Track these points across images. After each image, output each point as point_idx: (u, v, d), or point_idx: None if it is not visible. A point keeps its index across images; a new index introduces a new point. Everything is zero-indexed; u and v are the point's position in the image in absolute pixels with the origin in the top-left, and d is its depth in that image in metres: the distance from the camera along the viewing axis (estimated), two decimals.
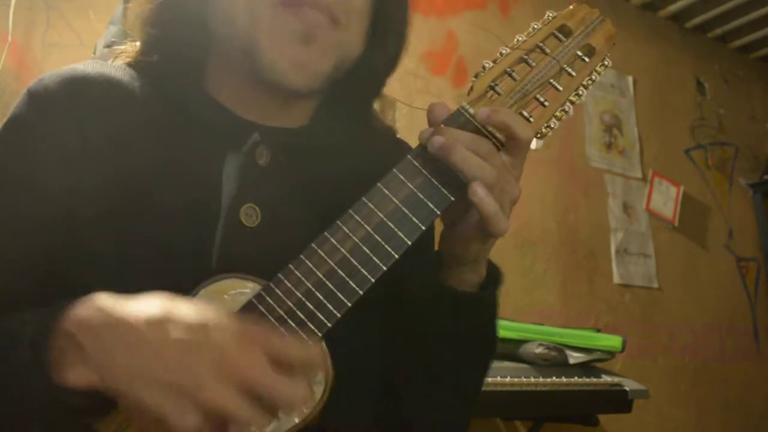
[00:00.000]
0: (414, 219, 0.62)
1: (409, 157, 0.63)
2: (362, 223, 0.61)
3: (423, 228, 0.62)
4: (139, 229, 0.64)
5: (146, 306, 0.52)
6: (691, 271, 2.93)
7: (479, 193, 0.60)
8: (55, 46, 1.79)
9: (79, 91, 0.69)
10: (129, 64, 0.74)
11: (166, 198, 0.65)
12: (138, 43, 0.75)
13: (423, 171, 0.63)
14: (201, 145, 0.69)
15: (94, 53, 1.53)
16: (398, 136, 0.86)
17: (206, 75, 0.74)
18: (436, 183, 0.62)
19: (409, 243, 0.61)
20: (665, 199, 2.92)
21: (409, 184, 0.62)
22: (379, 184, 0.62)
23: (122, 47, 0.76)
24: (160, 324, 0.50)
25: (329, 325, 0.59)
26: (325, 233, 0.61)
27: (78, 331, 0.52)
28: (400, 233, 0.61)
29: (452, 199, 0.62)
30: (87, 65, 0.72)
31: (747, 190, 3.26)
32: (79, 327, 0.52)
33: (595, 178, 2.75)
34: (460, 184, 0.62)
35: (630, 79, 2.97)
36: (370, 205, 0.61)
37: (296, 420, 0.59)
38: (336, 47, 0.69)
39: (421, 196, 0.62)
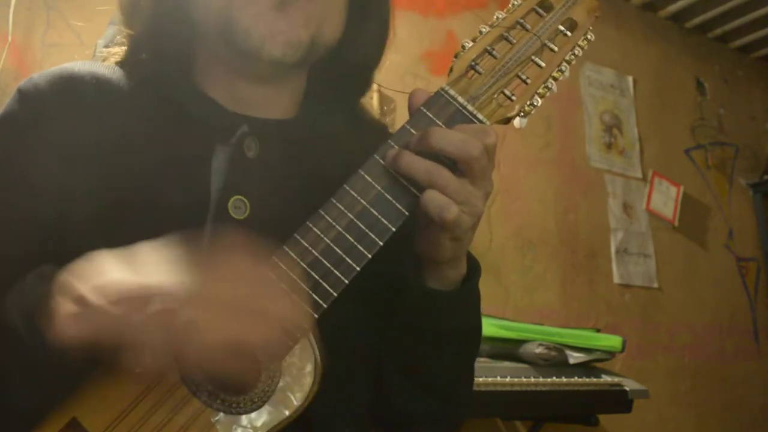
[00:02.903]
0: (397, 205, 0.62)
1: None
2: (345, 211, 0.61)
3: (407, 214, 0.62)
4: (130, 223, 0.65)
5: (124, 259, 0.54)
6: (691, 271, 2.92)
7: (425, 197, 0.60)
8: (55, 46, 1.79)
9: (69, 89, 0.69)
10: (118, 63, 0.75)
11: (156, 192, 0.66)
12: (123, 47, 0.76)
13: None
14: (190, 138, 0.69)
15: (94, 53, 1.53)
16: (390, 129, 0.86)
17: (194, 69, 0.75)
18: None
19: (393, 229, 0.61)
20: (665, 199, 2.92)
21: (391, 170, 0.62)
22: (360, 170, 0.62)
23: (112, 49, 0.77)
24: (140, 279, 0.52)
25: (315, 316, 0.59)
26: (307, 222, 0.61)
27: (61, 290, 0.53)
28: (383, 219, 0.61)
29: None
30: (77, 64, 0.72)
31: (747, 190, 3.26)
32: (61, 288, 0.53)
33: (595, 178, 2.75)
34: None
35: (630, 79, 2.97)
36: (352, 192, 0.61)
37: (286, 412, 0.59)
38: (312, 15, 0.69)
39: (404, 182, 0.62)
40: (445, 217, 0.59)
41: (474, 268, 0.71)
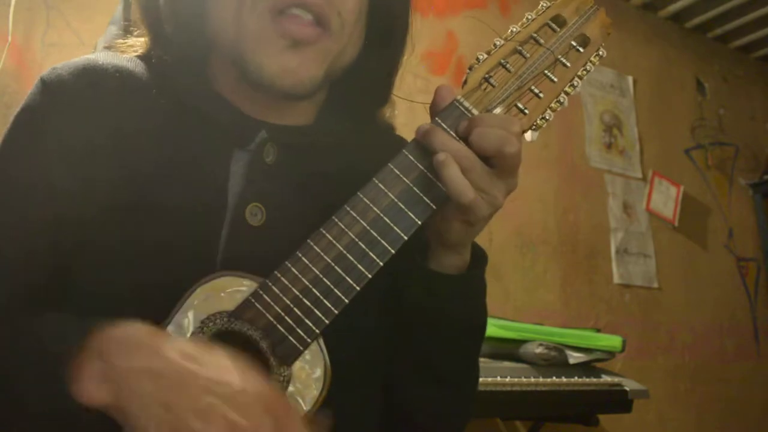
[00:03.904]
0: (410, 214, 0.62)
1: (404, 151, 0.63)
2: (358, 218, 0.61)
3: (419, 223, 0.62)
4: (145, 224, 0.64)
5: (182, 343, 0.52)
6: (691, 271, 2.92)
7: (448, 172, 0.60)
8: (55, 46, 1.79)
9: (93, 82, 0.69)
10: (140, 57, 0.74)
11: (173, 194, 0.65)
12: (144, 39, 0.75)
13: (419, 166, 0.62)
14: (208, 141, 0.69)
15: (94, 52, 1.53)
16: (397, 132, 0.86)
17: (212, 72, 0.74)
18: (432, 178, 0.62)
19: (405, 238, 0.61)
20: (665, 199, 2.92)
21: (405, 179, 0.62)
22: (374, 179, 0.62)
23: (129, 41, 0.76)
24: (191, 362, 0.50)
25: (326, 321, 0.59)
26: (321, 229, 0.61)
27: (109, 349, 0.51)
28: (396, 228, 0.61)
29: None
30: (99, 56, 0.72)
31: (747, 190, 3.26)
32: (110, 344, 0.52)
33: (595, 178, 2.75)
34: None
35: (630, 79, 2.97)
36: (366, 200, 0.61)
37: None
38: (327, 53, 0.68)
39: (417, 191, 0.62)
40: (462, 200, 0.60)
41: (479, 258, 0.71)
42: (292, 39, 0.66)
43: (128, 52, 0.75)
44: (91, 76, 0.69)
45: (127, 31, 0.77)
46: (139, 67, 0.72)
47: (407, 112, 0.88)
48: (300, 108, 0.75)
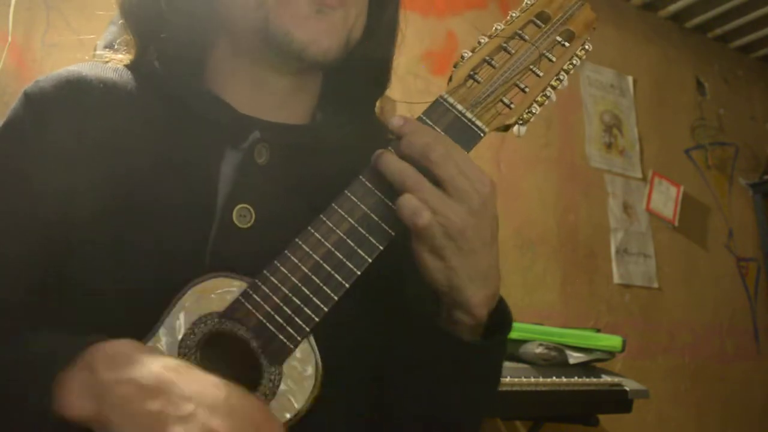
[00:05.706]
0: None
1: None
2: (346, 216, 0.61)
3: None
4: (135, 227, 0.64)
5: (167, 358, 0.53)
6: (691, 271, 2.92)
7: (401, 203, 0.58)
8: (55, 46, 1.79)
9: (75, 92, 0.69)
10: (126, 66, 0.74)
11: (162, 196, 0.65)
12: (130, 48, 0.75)
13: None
14: (200, 141, 0.68)
15: (95, 53, 1.53)
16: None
17: (206, 71, 0.74)
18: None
19: (393, 234, 0.61)
20: (665, 199, 2.92)
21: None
22: (361, 177, 0.62)
23: (116, 56, 0.76)
24: (174, 373, 0.51)
25: (316, 319, 0.59)
26: (309, 227, 0.61)
27: (97, 361, 0.52)
28: (383, 225, 0.61)
29: None
30: (82, 67, 0.72)
31: (747, 190, 3.26)
32: (99, 357, 0.52)
33: (595, 178, 2.75)
34: None
35: (630, 79, 2.97)
36: (354, 198, 0.62)
37: (287, 416, 0.59)
38: (347, 21, 0.69)
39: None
40: (417, 222, 0.57)
41: (502, 321, 0.66)
42: (321, 3, 0.67)
43: (114, 63, 0.75)
44: (73, 87, 0.69)
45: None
46: (124, 75, 0.72)
47: (407, 113, 0.88)
48: (297, 104, 0.75)
